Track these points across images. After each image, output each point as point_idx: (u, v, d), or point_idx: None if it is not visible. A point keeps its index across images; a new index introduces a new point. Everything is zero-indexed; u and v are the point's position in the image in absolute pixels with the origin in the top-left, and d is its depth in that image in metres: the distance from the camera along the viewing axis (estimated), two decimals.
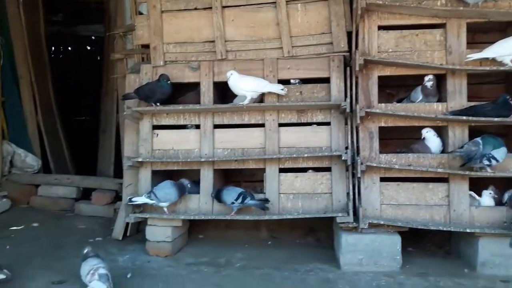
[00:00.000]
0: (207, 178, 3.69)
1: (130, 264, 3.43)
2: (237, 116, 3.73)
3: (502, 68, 3.28)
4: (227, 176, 4.16)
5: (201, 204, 3.68)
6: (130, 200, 3.58)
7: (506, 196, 3.25)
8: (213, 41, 3.80)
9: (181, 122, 3.82)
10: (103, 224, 4.39)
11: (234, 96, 3.80)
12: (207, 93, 3.77)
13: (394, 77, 3.55)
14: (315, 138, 3.61)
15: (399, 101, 3.77)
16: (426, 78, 3.44)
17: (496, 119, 3.23)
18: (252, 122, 3.71)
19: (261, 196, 3.61)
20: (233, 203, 3.46)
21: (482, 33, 3.75)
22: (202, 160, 3.65)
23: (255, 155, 3.62)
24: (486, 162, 3.10)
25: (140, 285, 3.03)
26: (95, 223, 4.43)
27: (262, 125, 3.68)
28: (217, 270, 3.30)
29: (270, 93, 3.65)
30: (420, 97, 3.50)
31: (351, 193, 3.45)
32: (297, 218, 3.50)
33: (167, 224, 3.62)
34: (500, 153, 3.13)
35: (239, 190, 3.53)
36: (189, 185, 3.73)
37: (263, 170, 3.65)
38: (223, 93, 3.88)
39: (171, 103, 3.84)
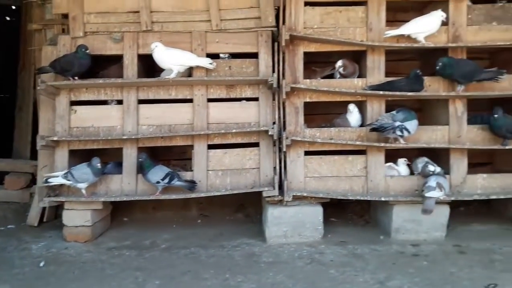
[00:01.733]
0: (130, 157, 3.74)
1: (44, 252, 3.40)
2: (163, 91, 3.80)
3: (416, 45, 3.66)
4: (155, 155, 4.21)
5: (123, 185, 3.73)
6: (46, 181, 3.54)
7: (419, 166, 3.68)
8: (137, 12, 3.80)
9: (102, 98, 3.81)
10: (16, 211, 4.30)
11: (162, 70, 3.85)
12: (130, 66, 3.79)
13: (321, 53, 3.81)
14: (244, 114, 3.79)
15: (327, 78, 4.03)
16: (337, 66, 3.76)
17: (409, 93, 3.61)
18: (180, 97, 3.80)
19: (190, 174, 3.75)
20: (158, 182, 3.55)
21: (402, 12, 4.12)
22: (125, 137, 3.69)
23: (182, 132, 3.73)
24: (399, 133, 3.47)
25: (53, 274, 3.00)
26: (7, 209, 4.32)
27: (190, 101, 3.79)
28: (140, 253, 3.36)
29: (198, 67, 3.75)
30: (338, 77, 3.82)
31: (277, 167, 3.69)
32: (225, 194, 3.69)
33: (86, 207, 3.63)
34: (412, 125, 3.52)
35: (166, 170, 3.62)
36: (109, 166, 3.78)
37: (192, 147, 3.78)
38: (150, 67, 3.91)
39: (92, 77, 3.82)
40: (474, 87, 3.67)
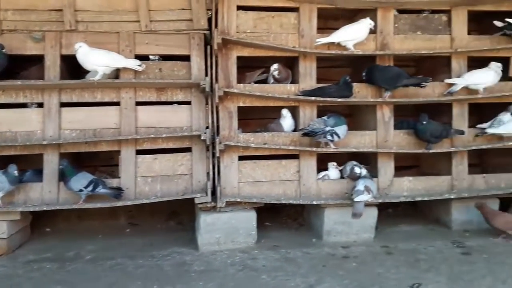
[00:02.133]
0: (51, 164, 3.56)
1: None
2: (88, 93, 3.65)
3: (345, 53, 3.78)
4: (80, 161, 4.06)
5: (44, 194, 3.54)
6: None
7: (347, 169, 3.80)
8: (61, 10, 3.62)
9: (21, 100, 3.61)
10: None
11: (88, 72, 3.70)
12: (52, 67, 3.60)
13: (255, 58, 3.83)
14: (175, 118, 3.73)
15: (261, 83, 4.06)
16: (272, 68, 3.80)
17: (339, 99, 3.73)
18: (106, 100, 3.67)
19: (117, 180, 3.62)
20: (81, 190, 3.41)
21: (333, 20, 4.27)
22: (45, 143, 3.50)
23: (108, 137, 3.60)
24: (329, 138, 3.57)
25: None
26: None
27: (117, 104, 3.67)
28: (62, 265, 3.22)
29: (126, 69, 3.65)
30: (271, 81, 3.86)
31: (211, 173, 3.66)
32: (156, 202, 3.60)
33: (1, 218, 3.41)
34: (341, 129, 3.63)
35: (90, 177, 3.48)
36: (27, 173, 3.57)
37: (120, 153, 3.65)
38: (76, 69, 3.75)
39: (10, 78, 3.58)
40: (400, 93, 3.87)
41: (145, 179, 3.66)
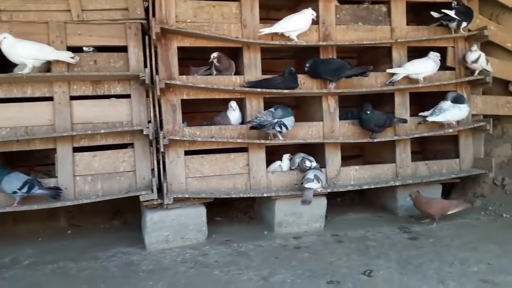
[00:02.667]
0: None
1: None
2: (17, 88, 3.42)
3: (289, 43, 3.80)
4: (12, 161, 3.82)
5: None
6: None
7: (296, 161, 3.84)
8: None
9: None
10: None
11: (16, 65, 3.48)
12: None
13: (199, 49, 3.76)
14: (114, 112, 3.58)
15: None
16: (212, 57, 3.75)
17: (285, 90, 3.74)
18: (37, 95, 3.47)
19: (54, 180, 3.43)
20: (15, 192, 3.20)
21: (275, 10, 4.29)
22: None
23: (42, 134, 3.40)
24: (277, 129, 3.58)
25: None
26: None
27: (50, 99, 3.47)
28: None
29: (58, 61, 3.46)
30: (214, 73, 3.80)
31: (155, 169, 3.56)
32: (97, 201, 3.45)
33: None
34: (289, 121, 3.65)
35: (24, 177, 3.28)
36: None
37: (56, 150, 3.47)
38: (2, 62, 3.49)
39: None
40: (345, 84, 3.94)
41: (84, 177, 3.50)
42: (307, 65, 3.83)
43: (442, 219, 3.69)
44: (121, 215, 4.13)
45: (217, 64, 3.76)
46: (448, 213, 3.68)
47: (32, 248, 3.46)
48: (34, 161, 3.98)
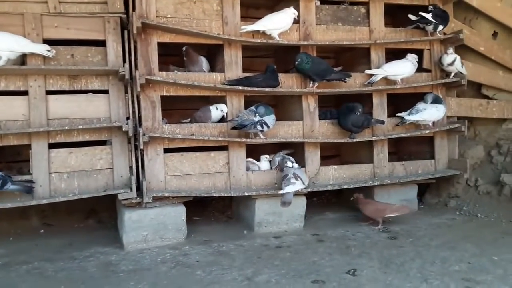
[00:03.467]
0: None
1: None
2: None
3: (271, 41, 3.85)
4: None
5: None
6: None
7: (276, 160, 3.90)
8: None
9: None
10: None
11: None
12: None
13: (179, 45, 3.76)
14: (91, 108, 3.54)
15: None
16: (183, 49, 3.79)
17: (267, 89, 3.80)
18: (12, 88, 3.39)
19: (28, 177, 3.36)
20: None
21: (254, 8, 4.36)
22: None
23: (16, 129, 3.33)
24: (259, 128, 3.63)
25: None
26: None
27: (25, 93, 3.40)
28: None
29: (33, 54, 3.39)
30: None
31: (134, 167, 3.55)
32: (74, 200, 3.40)
33: None
34: (270, 119, 3.71)
35: None
36: None
37: (30, 147, 3.40)
38: None
39: None
40: (324, 85, 4.03)
41: (60, 175, 3.44)
42: (298, 59, 3.81)
43: (382, 222, 3.79)
44: (95, 214, 4.09)
45: (184, 58, 3.78)
46: (386, 216, 3.80)
47: (3, 247, 3.39)
48: (5, 157, 3.88)
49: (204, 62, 3.90)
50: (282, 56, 4.38)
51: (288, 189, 3.55)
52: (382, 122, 4.16)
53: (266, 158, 3.96)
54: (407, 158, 4.47)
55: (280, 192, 3.55)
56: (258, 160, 3.97)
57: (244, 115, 3.66)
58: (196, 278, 2.83)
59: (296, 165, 3.84)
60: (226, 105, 3.79)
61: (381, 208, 3.84)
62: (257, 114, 3.64)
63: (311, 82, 3.96)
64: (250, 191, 3.74)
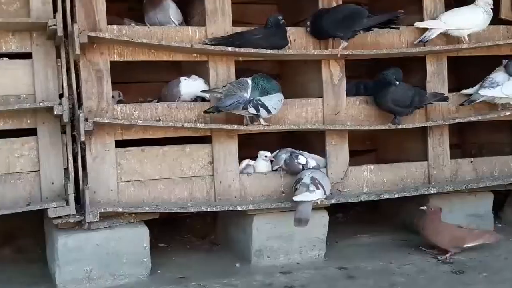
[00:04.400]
0: None
1: None
2: None
3: None
4: None
5: None
6: None
7: (282, 158, 3.85)
8: None
9: None
10: None
11: None
12: None
13: None
14: (6, 80, 3.48)
15: None
16: None
17: (269, 51, 3.74)
18: None
19: None
20: None
21: None
22: None
23: None
24: (252, 110, 3.57)
25: None
26: None
27: None
28: None
29: None
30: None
31: (71, 169, 3.51)
32: None
33: None
34: (272, 101, 3.64)
35: None
36: None
37: None
38: None
39: None
40: (354, 44, 3.97)
41: None
42: (308, 23, 3.86)
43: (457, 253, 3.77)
44: (13, 240, 4.12)
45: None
46: (465, 246, 3.76)
47: None
48: None
49: (172, 7, 3.89)
50: (291, 4, 4.32)
51: (303, 197, 3.50)
52: (445, 99, 4.11)
53: (266, 156, 3.94)
54: (477, 153, 4.44)
55: (294, 199, 3.51)
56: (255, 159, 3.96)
57: (230, 89, 3.61)
58: None
59: (313, 163, 3.79)
60: (209, 74, 3.74)
61: (460, 235, 3.79)
62: (251, 90, 3.60)
63: (341, 41, 3.87)
64: (245, 203, 3.70)
